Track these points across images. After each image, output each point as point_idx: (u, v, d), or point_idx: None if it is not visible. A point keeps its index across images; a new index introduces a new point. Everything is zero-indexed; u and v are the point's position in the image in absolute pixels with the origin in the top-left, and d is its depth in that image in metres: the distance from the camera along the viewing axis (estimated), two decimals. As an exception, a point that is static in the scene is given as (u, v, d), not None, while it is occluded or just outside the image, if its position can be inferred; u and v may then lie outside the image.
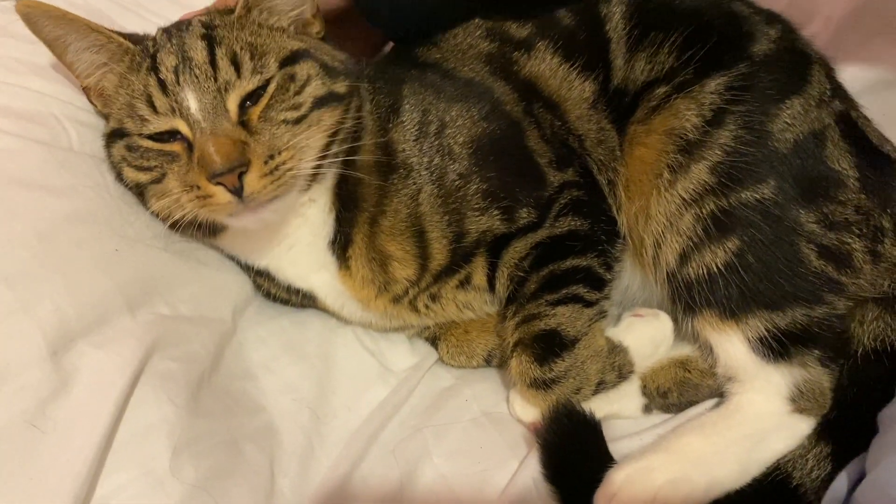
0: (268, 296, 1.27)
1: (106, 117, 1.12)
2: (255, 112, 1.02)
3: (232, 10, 1.09)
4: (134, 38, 1.09)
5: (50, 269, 0.95)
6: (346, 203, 1.14)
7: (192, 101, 1.00)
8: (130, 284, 1.02)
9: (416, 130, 1.16)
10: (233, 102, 1.01)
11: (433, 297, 1.20)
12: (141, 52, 1.06)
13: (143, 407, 0.93)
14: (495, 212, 1.13)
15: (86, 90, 1.13)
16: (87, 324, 0.94)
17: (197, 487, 0.91)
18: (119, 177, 1.10)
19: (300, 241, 1.16)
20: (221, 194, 0.98)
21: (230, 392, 1.08)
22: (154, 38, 1.08)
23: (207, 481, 0.93)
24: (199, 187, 0.99)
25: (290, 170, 1.02)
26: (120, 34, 1.08)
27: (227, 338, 1.14)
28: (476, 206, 1.13)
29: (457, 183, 1.13)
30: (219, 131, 0.99)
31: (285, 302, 1.27)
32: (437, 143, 1.15)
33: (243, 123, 1.01)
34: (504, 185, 1.14)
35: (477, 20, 1.30)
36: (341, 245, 1.16)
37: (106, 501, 0.86)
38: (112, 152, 1.09)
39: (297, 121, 1.04)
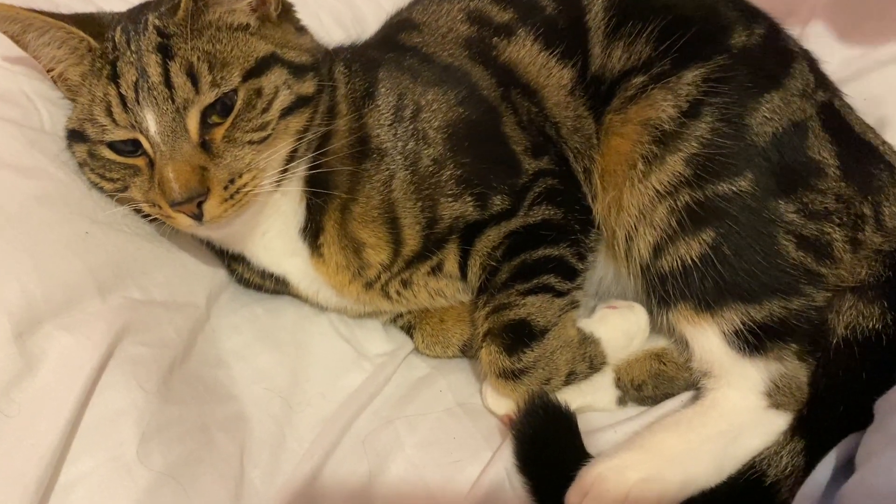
0: (241, 281, 1.26)
1: (74, 101, 1.09)
2: (219, 133, 0.99)
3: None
4: (93, 28, 1.03)
5: (18, 250, 0.93)
6: (318, 191, 1.12)
7: (151, 123, 0.97)
8: (101, 267, 1.01)
9: (391, 115, 1.14)
10: (192, 121, 0.98)
11: (405, 284, 1.19)
12: (101, 55, 1.01)
13: (112, 392, 0.92)
14: (468, 198, 1.13)
15: (52, 79, 1.10)
16: (55, 306, 0.92)
17: (165, 475, 0.91)
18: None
19: (272, 228, 1.15)
20: (182, 219, 0.99)
21: (202, 379, 1.07)
22: (114, 39, 1.01)
23: (176, 468, 0.92)
24: (160, 206, 0.99)
25: (251, 190, 1.01)
26: (78, 21, 1.04)
27: (200, 324, 1.13)
28: (449, 191, 1.12)
29: (430, 168, 1.12)
30: (178, 156, 0.96)
31: (259, 287, 1.26)
32: (411, 127, 1.14)
33: (204, 144, 0.99)
34: (478, 171, 1.13)
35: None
36: (312, 233, 1.15)
37: (71, 487, 0.85)
38: (74, 152, 1.07)
39: (263, 140, 1.02)
